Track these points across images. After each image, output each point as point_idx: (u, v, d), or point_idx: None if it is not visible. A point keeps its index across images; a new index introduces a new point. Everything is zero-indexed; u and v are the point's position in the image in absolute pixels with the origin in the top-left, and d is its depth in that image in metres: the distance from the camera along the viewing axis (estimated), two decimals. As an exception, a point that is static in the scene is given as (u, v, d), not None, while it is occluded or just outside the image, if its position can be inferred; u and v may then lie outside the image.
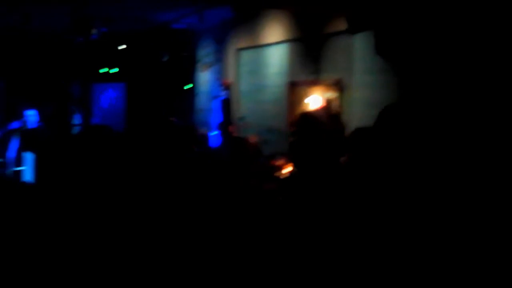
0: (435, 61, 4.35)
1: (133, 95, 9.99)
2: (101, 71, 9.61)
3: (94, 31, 7.11)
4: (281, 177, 6.34)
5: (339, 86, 5.84)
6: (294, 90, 6.62)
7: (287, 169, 6.51)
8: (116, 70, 9.85)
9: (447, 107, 4.17)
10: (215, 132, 8.02)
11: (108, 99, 10.51)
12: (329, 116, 5.24)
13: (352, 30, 5.49)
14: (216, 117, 8.27)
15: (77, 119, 10.18)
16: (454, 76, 4.13)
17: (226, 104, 8.05)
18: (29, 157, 5.01)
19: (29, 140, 6.29)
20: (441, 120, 4.10)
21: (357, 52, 5.52)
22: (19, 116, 7.74)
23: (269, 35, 7.07)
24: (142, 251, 3.83)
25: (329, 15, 5.92)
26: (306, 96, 6.35)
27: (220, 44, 8.36)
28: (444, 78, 4.26)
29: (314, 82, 6.23)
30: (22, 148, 5.64)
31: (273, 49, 7.05)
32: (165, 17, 7.74)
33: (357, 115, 5.48)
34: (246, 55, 7.79)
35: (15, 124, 7.45)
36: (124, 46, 9.23)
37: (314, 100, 6.30)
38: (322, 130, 4.79)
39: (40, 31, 8.39)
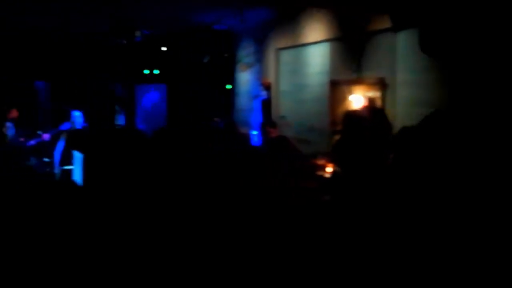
0: (483, 59, 4.24)
1: (174, 96, 10.16)
2: (144, 72, 9.81)
3: (137, 33, 7.29)
4: (324, 176, 6.34)
5: (381, 84, 5.78)
6: (335, 89, 6.58)
7: (329, 168, 6.50)
8: (157, 71, 10.05)
9: (495, 107, 4.06)
10: (256, 132, 8.07)
11: (150, 100, 10.72)
12: (374, 114, 5.19)
13: (396, 28, 5.43)
14: (256, 117, 8.32)
15: (120, 120, 10.45)
16: (504, 75, 4.03)
17: (266, 104, 8.08)
18: (77, 156, 5.15)
19: (77, 140, 6.48)
20: (489, 121, 4.00)
21: (400, 50, 5.45)
22: (64, 117, 8.01)
23: (310, 34, 7.06)
24: (195, 246, 3.92)
25: (371, 13, 5.86)
26: (348, 95, 6.32)
27: (260, 44, 8.40)
28: (493, 76, 4.15)
29: (356, 81, 6.19)
30: (70, 148, 5.82)
31: (314, 48, 7.04)
32: (206, 18, 7.84)
33: (401, 114, 5.41)
34: (286, 55, 7.79)
35: (65, 126, 7.70)
36: (165, 48, 9.39)
37: (356, 99, 6.27)
38: (367, 129, 4.74)
39: (85, 33, 8.64)
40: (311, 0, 6.44)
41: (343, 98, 6.41)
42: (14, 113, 7.63)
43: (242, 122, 8.79)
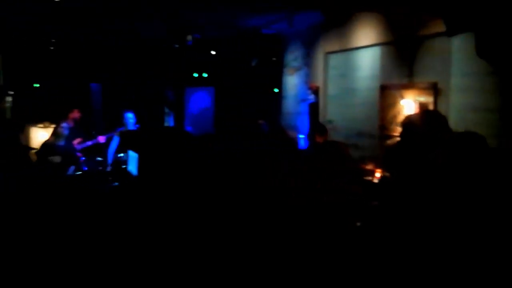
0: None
1: (222, 99, 10.32)
2: (193, 75, 10.00)
3: (189, 37, 7.45)
4: (372, 181, 6.28)
5: (434, 89, 5.67)
6: (386, 93, 6.51)
7: (378, 174, 6.44)
8: (205, 75, 10.23)
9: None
10: (302, 136, 8.09)
11: (199, 102, 10.92)
12: (433, 120, 5.10)
13: (450, 32, 5.32)
14: (303, 121, 8.33)
15: (169, 122, 10.70)
16: None
17: (314, 108, 8.08)
18: (132, 156, 5.33)
19: (132, 140, 6.68)
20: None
21: (455, 54, 5.33)
22: (117, 118, 8.24)
23: (360, 38, 7.02)
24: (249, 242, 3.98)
25: (424, 17, 5.77)
26: (399, 100, 6.24)
27: (308, 48, 8.41)
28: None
29: (408, 86, 6.10)
30: (125, 148, 6.02)
31: (364, 52, 6.99)
32: (255, 22, 7.94)
33: (454, 120, 5.29)
34: (335, 59, 7.77)
35: (121, 129, 7.92)
36: (213, 52, 9.55)
37: (408, 104, 6.19)
38: (425, 135, 4.67)
39: (139, 37, 8.91)
40: (363, 4, 6.40)
41: (394, 103, 6.33)
42: (75, 114, 7.91)
43: (289, 125, 8.83)
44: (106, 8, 7.01)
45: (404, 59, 6.20)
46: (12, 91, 7.85)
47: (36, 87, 9.24)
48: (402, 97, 6.24)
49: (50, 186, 6.14)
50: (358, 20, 7.04)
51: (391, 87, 6.41)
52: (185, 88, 10.75)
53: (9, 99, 7.88)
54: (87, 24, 8.11)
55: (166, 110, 11.06)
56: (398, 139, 6.06)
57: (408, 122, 5.01)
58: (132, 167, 5.28)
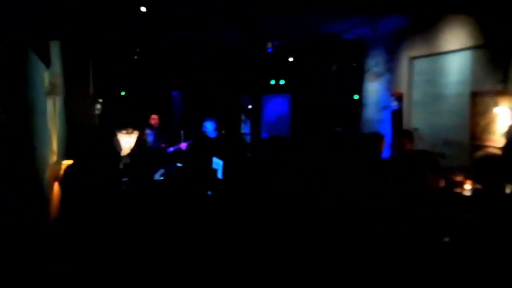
0: None
1: (299, 106, 10.24)
2: (270, 83, 10.01)
3: (269, 44, 7.45)
4: (462, 193, 5.93)
5: (533, 96, 5.28)
6: (477, 100, 6.14)
7: (468, 186, 6.07)
8: (282, 82, 10.20)
9: None
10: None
11: (275, 109, 10.92)
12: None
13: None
14: (385, 128, 8.06)
15: (246, 129, 10.78)
16: None
17: (397, 115, 7.80)
18: (217, 163, 5.37)
19: (213, 148, 6.77)
20: None
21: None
22: (196, 125, 8.41)
23: (449, 42, 6.67)
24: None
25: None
26: (492, 107, 5.86)
27: (391, 53, 8.14)
28: None
29: (502, 92, 5.71)
30: (207, 155, 6.08)
31: (453, 56, 6.63)
32: (336, 28, 7.80)
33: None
34: (420, 64, 7.45)
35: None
36: (291, 59, 9.50)
37: (502, 111, 5.80)
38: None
39: (219, 46, 9.04)
40: (454, 6, 6.09)
41: (486, 111, 5.96)
42: (154, 120, 8.18)
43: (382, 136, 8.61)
44: (187, 18, 7.18)
45: (498, 64, 5.82)
46: (101, 99, 8.27)
47: (122, 95, 9.66)
48: (495, 104, 5.85)
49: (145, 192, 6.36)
50: (446, 23, 6.71)
51: (483, 93, 6.03)
52: (262, 95, 10.79)
53: (98, 106, 8.29)
54: (168, 34, 8.36)
55: (243, 117, 11.16)
56: (493, 149, 5.71)
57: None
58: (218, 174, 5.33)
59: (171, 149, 7.87)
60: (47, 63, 5.15)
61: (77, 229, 4.83)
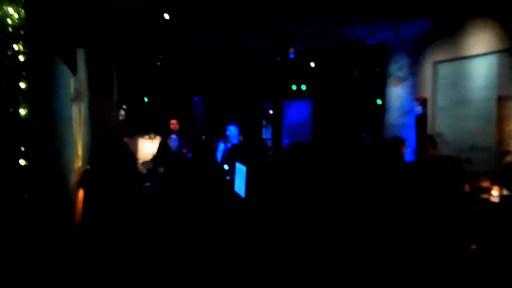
0: None
1: (320, 111, 10.19)
2: (292, 88, 9.99)
3: (291, 50, 7.44)
4: (490, 199, 5.82)
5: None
6: (504, 105, 6.02)
7: (496, 192, 5.95)
8: (303, 87, 10.16)
9: None
10: (409, 149, 7.73)
11: (296, 115, 10.89)
12: None
13: None
14: (409, 133, 7.97)
15: (268, 134, 10.77)
16: None
17: (421, 120, 7.70)
18: (240, 169, 5.35)
19: (238, 154, 6.77)
20: None
21: None
22: (218, 130, 8.43)
23: (474, 46, 6.57)
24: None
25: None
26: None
27: (415, 58, 8.05)
28: None
29: (530, 96, 5.62)
30: (232, 160, 6.08)
31: (478, 61, 6.53)
32: (358, 33, 7.75)
33: None
34: (445, 68, 7.35)
35: (222, 141, 8.09)
36: (313, 64, 9.47)
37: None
38: None
39: (238, 51, 9.06)
40: (479, 10, 6.00)
41: (514, 115, 5.85)
42: (173, 125, 8.21)
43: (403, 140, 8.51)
44: (210, 25, 7.22)
45: (526, 68, 5.72)
46: (125, 105, 8.37)
47: (145, 101, 9.75)
48: (524, 109, 5.75)
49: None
50: (471, 27, 6.61)
51: (510, 98, 5.92)
52: (283, 100, 10.77)
53: (122, 112, 8.39)
54: (191, 41, 8.42)
55: (264, 122, 11.16)
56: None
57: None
58: (240, 181, 5.29)
59: (191, 155, 7.88)
60: (74, 70, 5.23)
61: (94, 231, 4.88)
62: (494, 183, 5.96)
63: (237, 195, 5.33)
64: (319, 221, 4.56)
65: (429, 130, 7.50)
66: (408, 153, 7.68)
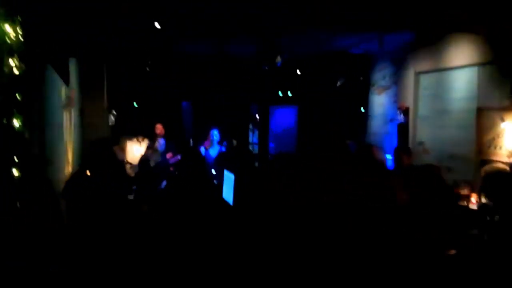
0: None
1: (306, 117, 10.36)
2: (278, 94, 10.14)
3: (278, 58, 7.58)
4: (468, 207, 6.01)
5: (539, 112, 5.38)
6: (483, 116, 6.24)
7: (474, 199, 6.15)
8: (289, 94, 10.33)
9: None
10: (389, 157, 7.92)
11: (282, 120, 11.05)
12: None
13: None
14: (391, 141, 8.17)
15: (254, 138, 10.91)
16: None
17: (403, 129, 7.90)
18: (228, 176, 5.47)
19: (224, 160, 6.90)
20: None
21: None
22: (204, 134, 8.54)
23: (455, 58, 6.79)
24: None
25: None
26: (499, 122, 5.96)
27: (398, 67, 8.25)
28: None
29: (509, 108, 5.82)
30: (220, 168, 6.18)
31: (459, 72, 6.75)
32: (343, 43, 7.93)
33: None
34: (427, 79, 7.56)
35: (206, 144, 8.20)
36: (299, 72, 9.63)
37: (509, 127, 5.89)
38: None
39: (225, 57, 9.17)
40: (460, 25, 6.21)
41: (493, 126, 6.06)
42: (159, 129, 8.30)
43: (375, 146, 8.69)
44: (199, 31, 7.33)
45: (505, 80, 5.93)
46: (115, 110, 8.42)
47: (135, 106, 9.82)
48: (502, 120, 5.96)
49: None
50: (453, 39, 6.83)
51: (490, 109, 6.14)
52: (270, 106, 10.92)
53: (112, 118, 8.45)
54: (179, 45, 8.51)
55: (250, 126, 11.30)
56: (501, 164, 5.79)
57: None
58: (228, 188, 5.40)
59: (172, 160, 7.96)
60: (67, 81, 5.31)
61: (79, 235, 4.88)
62: (472, 191, 6.18)
63: (225, 202, 5.45)
64: (307, 225, 4.68)
65: (410, 139, 7.70)
66: (390, 161, 7.89)
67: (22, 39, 3.04)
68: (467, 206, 5.97)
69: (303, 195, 4.77)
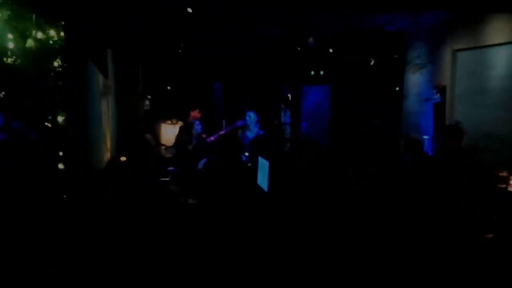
0: None
1: (338, 97, 10.28)
2: (310, 73, 10.06)
3: (310, 39, 7.50)
4: (507, 189, 5.91)
5: None
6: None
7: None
8: (321, 72, 10.23)
9: None
10: (427, 137, 7.82)
11: (315, 100, 10.98)
12: None
13: None
14: (427, 121, 8.04)
15: (286, 118, 10.91)
16: None
17: (439, 108, 7.76)
18: (263, 163, 5.53)
19: (259, 146, 6.94)
20: None
21: None
22: (238, 115, 8.57)
23: (495, 35, 6.58)
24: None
25: None
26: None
27: (434, 46, 8.04)
28: None
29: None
30: (256, 154, 6.21)
31: (499, 49, 6.55)
32: (378, 20, 7.76)
33: None
34: (464, 57, 7.37)
35: (240, 122, 8.26)
36: (331, 50, 9.51)
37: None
38: None
39: (257, 39, 9.13)
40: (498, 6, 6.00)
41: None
42: (196, 113, 8.41)
43: (410, 125, 8.58)
44: (230, 15, 7.31)
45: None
46: (149, 95, 8.55)
47: (168, 89, 9.93)
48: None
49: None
50: (493, 16, 6.61)
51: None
52: (302, 86, 10.86)
53: (147, 102, 8.60)
54: (212, 30, 8.50)
55: (282, 106, 11.28)
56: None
57: None
58: (263, 175, 5.47)
59: (212, 138, 8.08)
60: (106, 75, 5.43)
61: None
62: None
63: (260, 188, 5.54)
64: (339, 212, 4.73)
65: (447, 119, 7.56)
66: (426, 141, 7.78)
67: (63, 42, 3.14)
68: (505, 188, 5.88)
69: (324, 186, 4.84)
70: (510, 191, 5.79)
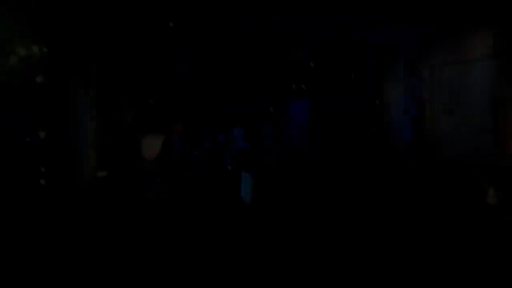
0: None
1: (319, 109, 10.32)
2: (292, 86, 10.10)
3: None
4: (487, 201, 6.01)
5: None
6: (504, 107, 6.22)
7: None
8: (303, 86, 10.27)
9: None
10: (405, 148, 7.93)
11: (297, 113, 11.02)
12: None
13: None
14: (406, 133, 8.16)
15: (269, 131, 10.90)
16: None
17: (419, 121, 7.89)
18: (246, 177, 5.56)
19: (244, 159, 6.95)
20: None
21: None
22: (222, 130, 8.57)
23: (475, 50, 6.76)
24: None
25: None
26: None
27: (416, 59, 8.20)
28: None
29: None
30: (238, 167, 6.23)
31: (477, 64, 6.72)
32: (362, 34, 7.88)
33: None
34: (444, 70, 7.52)
35: (222, 137, 8.27)
36: (312, 64, 9.58)
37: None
38: None
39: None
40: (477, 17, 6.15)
41: None
42: (178, 127, 8.38)
43: (393, 136, 8.70)
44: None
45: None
46: (134, 108, 8.50)
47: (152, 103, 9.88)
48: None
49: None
50: (473, 31, 6.79)
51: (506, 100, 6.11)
52: (285, 99, 10.89)
53: (131, 115, 8.54)
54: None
55: (265, 122, 11.29)
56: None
57: None
58: (246, 187, 5.49)
59: (196, 152, 8.01)
60: (90, 88, 5.43)
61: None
62: (489, 184, 6.17)
63: (243, 200, 5.56)
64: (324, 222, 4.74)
65: (426, 131, 7.69)
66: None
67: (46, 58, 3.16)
68: (484, 200, 5.97)
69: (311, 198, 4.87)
70: (487, 203, 5.89)
